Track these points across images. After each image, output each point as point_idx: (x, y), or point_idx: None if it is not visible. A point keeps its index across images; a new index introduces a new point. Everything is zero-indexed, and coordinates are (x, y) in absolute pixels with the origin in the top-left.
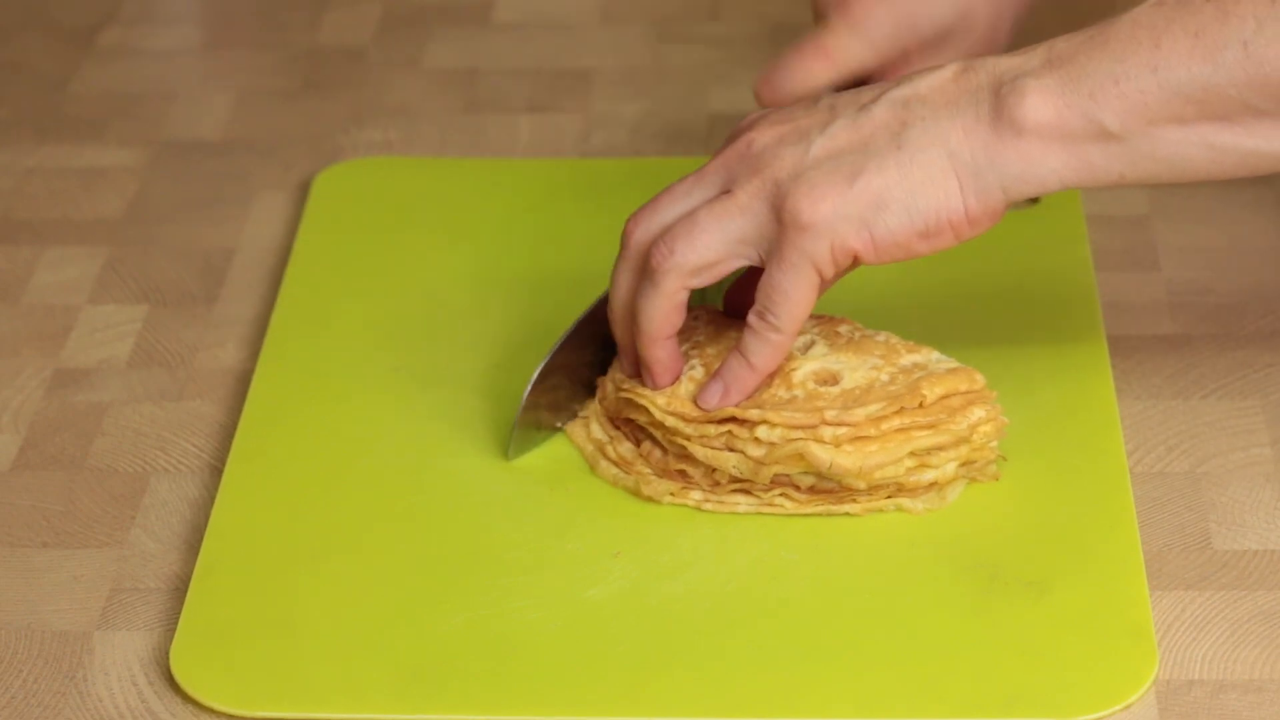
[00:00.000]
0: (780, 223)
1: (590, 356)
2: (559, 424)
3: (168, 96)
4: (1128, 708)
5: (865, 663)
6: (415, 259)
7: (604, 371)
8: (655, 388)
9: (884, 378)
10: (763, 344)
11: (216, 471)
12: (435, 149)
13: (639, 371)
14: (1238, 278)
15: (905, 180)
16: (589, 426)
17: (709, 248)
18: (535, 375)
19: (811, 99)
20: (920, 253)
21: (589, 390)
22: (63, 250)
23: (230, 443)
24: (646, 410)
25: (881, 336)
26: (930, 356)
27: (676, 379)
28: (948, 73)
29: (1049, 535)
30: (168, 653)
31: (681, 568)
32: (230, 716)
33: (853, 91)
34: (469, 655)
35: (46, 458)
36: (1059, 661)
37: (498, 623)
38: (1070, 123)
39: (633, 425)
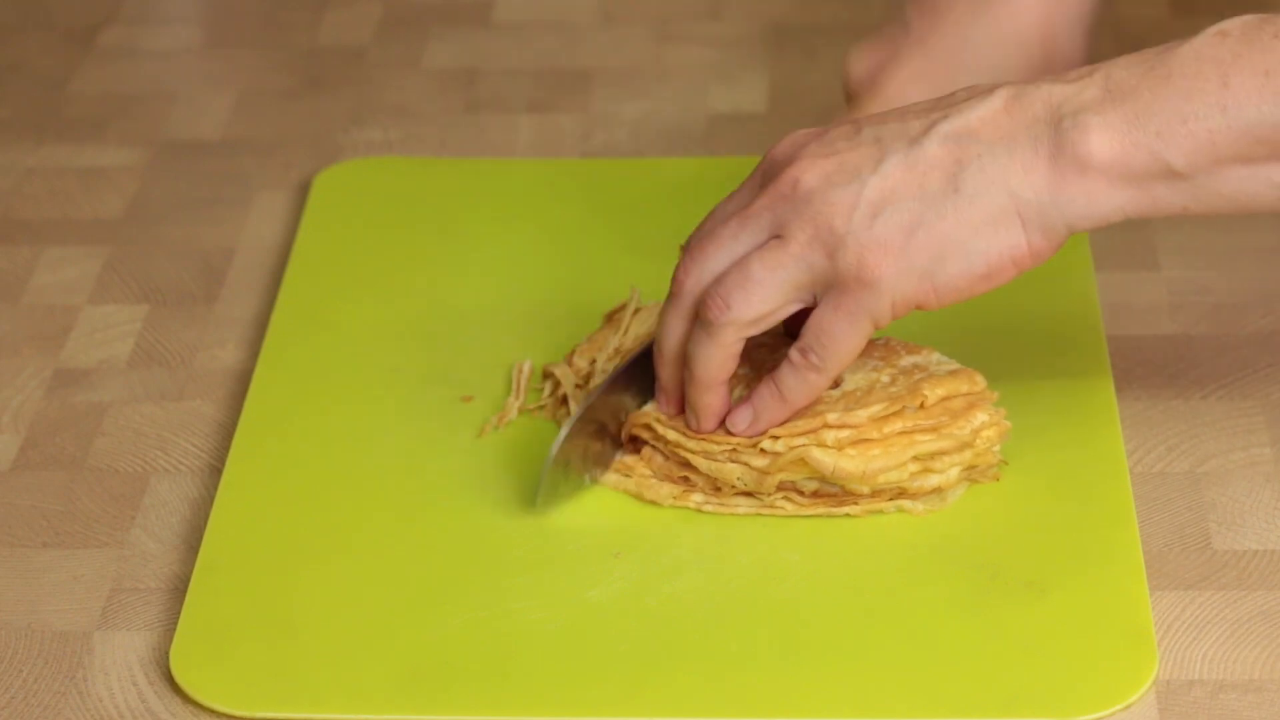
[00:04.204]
0: (838, 272)
1: (625, 405)
2: (590, 477)
3: (168, 96)
4: (1128, 708)
5: (865, 663)
6: (415, 259)
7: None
8: (700, 431)
9: (884, 379)
10: (800, 382)
11: (216, 471)
12: (435, 149)
13: (682, 411)
14: (1238, 278)
15: (966, 225)
16: None
17: (765, 300)
18: (569, 426)
19: (851, 123)
20: (982, 292)
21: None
22: (63, 250)
23: (230, 443)
24: (649, 426)
25: (881, 338)
26: (931, 357)
27: (722, 423)
28: (998, 102)
29: (1049, 535)
30: (168, 653)
31: (682, 568)
32: (230, 716)
33: (896, 116)
34: (469, 655)
35: (46, 458)
36: (1059, 661)
37: (498, 623)
38: (1136, 161)
39: (634, 437)
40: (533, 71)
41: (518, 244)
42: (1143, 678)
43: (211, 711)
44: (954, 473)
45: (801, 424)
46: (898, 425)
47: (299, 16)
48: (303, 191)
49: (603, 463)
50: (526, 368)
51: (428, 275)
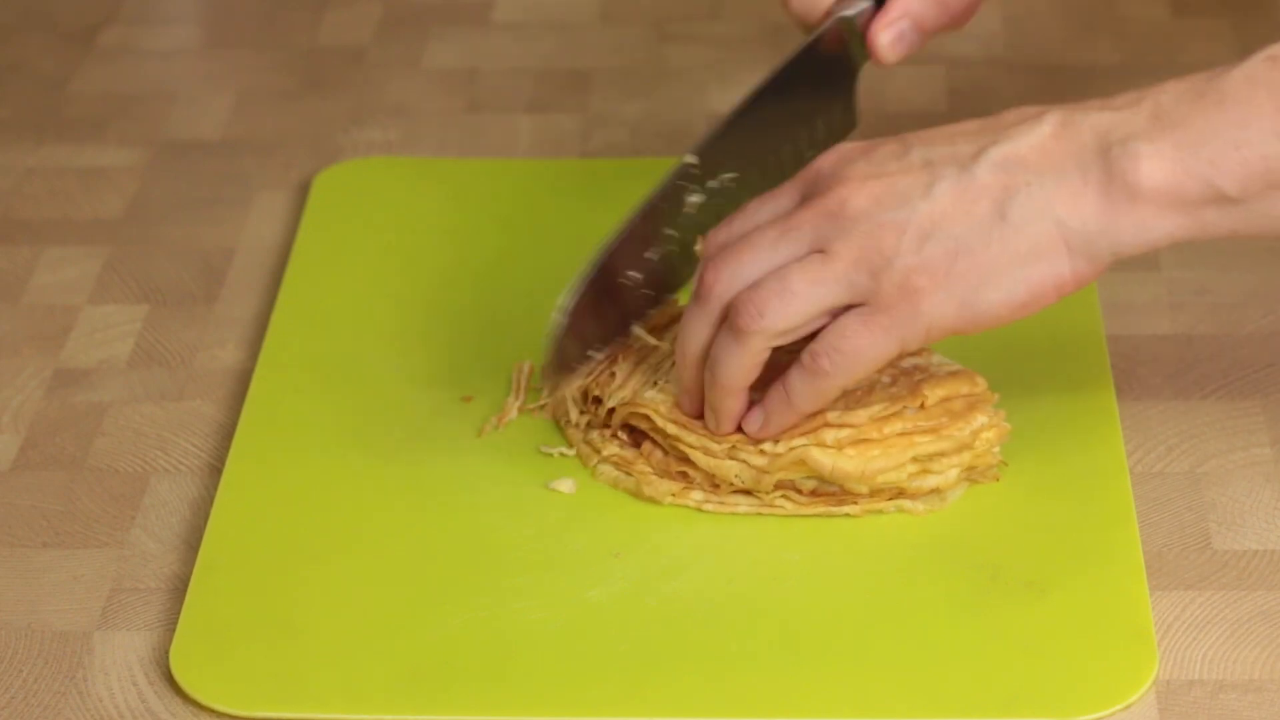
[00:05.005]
0: (880, 292)
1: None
2: (597, 350)
3: (168, 96)
4: (1128, 708)
5: (865, 663)
6: (415, 259)
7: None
8: (719, 433)
9: (885, 380)
10: (810, 389)
11: (216, 471)
12: (435, 149)
13: (702, 413)
14: (1238, 278)
15: (1010, 254)
16: (585, 430)
17: (800, 313)
18: (574, 294)
19: (898, 141)
20: (1021, 318)
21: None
22: (63, 250)
23: (230, 443)
24: (648, 417)
25: None
26: (931, 359)
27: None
28: (1046, 128)
29: (1049, 535)
30: (168, 653)
31: (682, 568)
32: (230, 716)
33: (945, 139)
34: (469, 655)
35: (46, 458)
36: (1059, 661)
37: (498, 623)
38: (1188, 189)
39: (633, 428)
40: (533, 71)
41: (518, 244)
42: (1143, 678)
43: (211, 711)
44: (953, 474)
45: (802, 424)
46: (897, 426)
47: (299, 16)
48: (303, 191)
49: (611, 337)
50: (526, 368)
51: (428, 275)
